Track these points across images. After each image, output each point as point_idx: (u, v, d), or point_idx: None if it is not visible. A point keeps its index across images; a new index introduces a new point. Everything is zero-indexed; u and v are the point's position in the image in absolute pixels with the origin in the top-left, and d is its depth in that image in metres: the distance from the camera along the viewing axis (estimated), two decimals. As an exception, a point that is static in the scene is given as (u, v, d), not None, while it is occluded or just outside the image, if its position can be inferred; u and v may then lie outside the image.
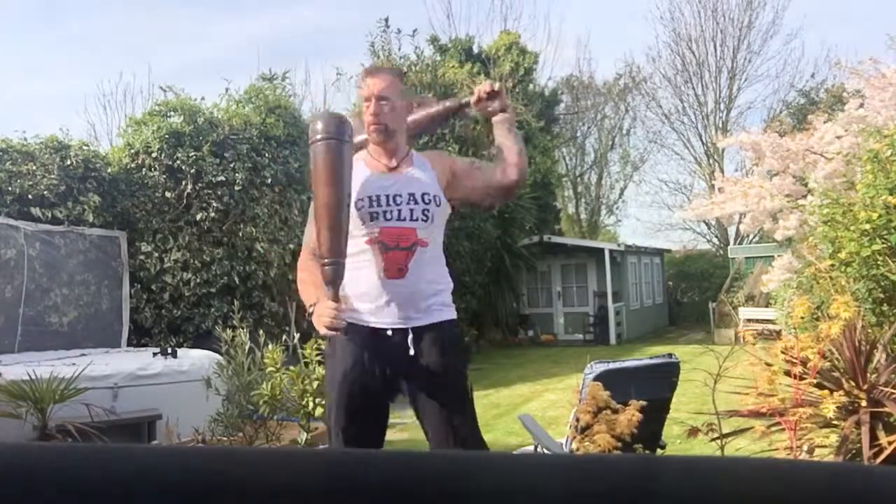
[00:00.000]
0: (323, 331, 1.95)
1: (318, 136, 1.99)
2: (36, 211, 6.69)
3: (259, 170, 8.09)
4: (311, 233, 2.10)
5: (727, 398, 2.77)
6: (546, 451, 3.13)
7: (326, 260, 1.98)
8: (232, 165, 7.81)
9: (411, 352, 2.01)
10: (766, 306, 11.41)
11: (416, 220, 2.05)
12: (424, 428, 2.09)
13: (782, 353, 2.83)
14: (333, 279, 1.97)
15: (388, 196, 2.06)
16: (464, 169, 2.20)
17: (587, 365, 2.97)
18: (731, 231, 20.37)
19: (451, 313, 2.10)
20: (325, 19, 31.76)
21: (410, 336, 2.01)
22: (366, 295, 2.04)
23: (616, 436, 2.23)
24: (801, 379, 2.64)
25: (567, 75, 22.21)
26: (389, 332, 2.02)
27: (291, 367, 4.93)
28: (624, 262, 15.18)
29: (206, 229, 7.72)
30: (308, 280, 2.08)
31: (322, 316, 1.93)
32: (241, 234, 7.83)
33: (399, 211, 2.05)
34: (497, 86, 2.17)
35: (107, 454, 0.50)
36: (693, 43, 22.06)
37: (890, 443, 2.52)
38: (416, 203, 2.06)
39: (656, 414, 2.84)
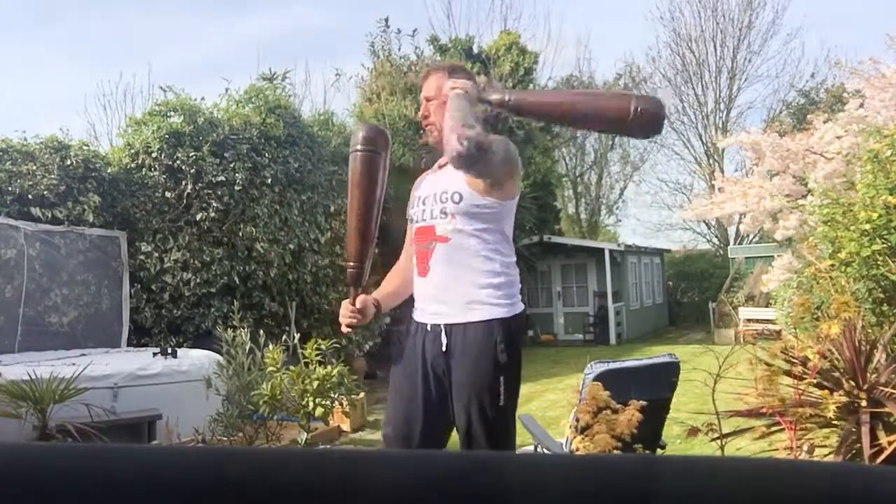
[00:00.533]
0: (343, 329, 2.10)
1: (357, 147, 2.08)
2: (36, 211, 6.69)
3: (259, 170, 8.08)
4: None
5: (727, 398, 2.77)
6: (546, 451, 3.13)
7: (351, 264, 2.09)
8: (232, 165, 7.81)
9: (443, 348, 2.03)
10: (766, 306, 11.41)
11: (435, 217, 2.08)
12: (457, 432, 2.07)
13: (782, 353, 2.83)
14: (354, 282, 2.10)
15: (420, 197, 2.16)
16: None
17: (587, 365, 2.97)
18: (731, 231, 20.38)
19: (492, 311, 2.00)
20: (325, 19, 31.77)
21: (443, 332, 2.03)
22: (415, 293, 2.16)
23: (616, 436, 2.23)
24: (801, 379, 2.64)
25: (567, 75, 22.22)
26: (429, 328, 2.08)
27: (291, 367, 4.94)
28: (624, 262, 15.18)
29: (206, 229, 7.71)
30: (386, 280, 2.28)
31: (342, 314, 2.09)
32: (241, 234, 7.83)
33: (423, 211, 2.12)
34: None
35: (107, 454, 0.50)
36: (693, 43, 22.08)
37: (890, 443, 2.52)
38: (437, 202, 2.09)
39: (656, 414, 2.84)
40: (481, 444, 1.96)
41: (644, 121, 1.85)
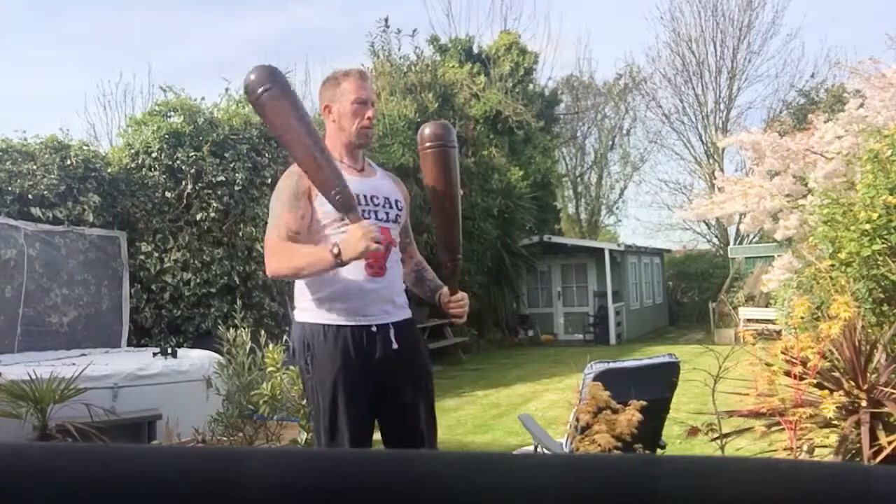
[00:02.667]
0: (370, 245, 1.85)
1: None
2: (36, 211, 6.69)
3: (259, 170, 8.08)
4: (283, 220, 2.05)
5: (727, 398, 2.78)
6: (546, 451, 3.13)
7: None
8: (232, 165, 7.81)
9: (395, 345, 2.06)
10: (766, 306, 11.41)
11: (390, 221, 2.16)
12: (385, 422, 2.13)
13: (782, 353, 2.83)
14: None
15: (366, 196, 2.12)
16: (404, 225, 2.28)
17: (587, 365, 2.97)
18: (731, 231, 20.37)
19: (409, 309, 2.21)
20: (325, 19, 31.76)
21: (392, 331, 2.08)
22: (346, 293, 2.05)
23: (616, 436, 2.23)
24: (801, 379, 2.64)
25: (567, 75, 22.21)
26: (374, 328, 2.06)
27: (291, 367, 4.93)
28: (624, 262, 15.18)
29: (206, 229, 7.71)
30: (297, 248, 2.01)
31: (365, 231, 1.86)
32: (241, 234, 7.83)
33: (377, 211, 2.12)
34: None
35: (107, 454, 0.50)
36: (693, 43, 22.06)
37: (890, 443, 2.52)
38: (390, 207, 2.17)
39: (656, 414, 2.84)
40: (430, 428, 2.13)
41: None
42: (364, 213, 2.05)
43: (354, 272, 2.03)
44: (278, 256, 2.02)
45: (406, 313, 2.17)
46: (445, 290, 2.23)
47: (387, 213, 2.15)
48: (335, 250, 1.89)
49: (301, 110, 1.99)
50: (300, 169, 2.04)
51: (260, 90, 1.94)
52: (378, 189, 2.17)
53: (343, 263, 1.89)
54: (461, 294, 2.21)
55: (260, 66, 1.98)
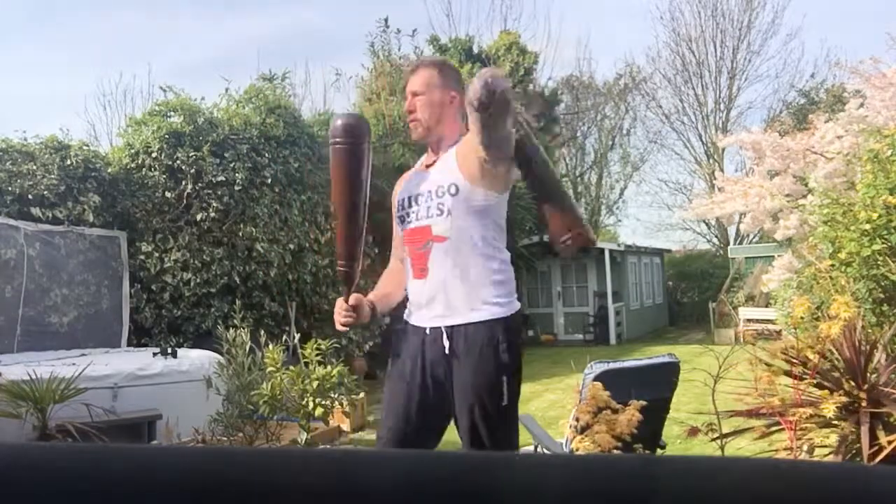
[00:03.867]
0: (339, 328, 2.09)
1: (336, 139, 1.97)
2: (36, 211, 6.69)
3: (259, 170, 8.08)
4: (394, 241, 2.21)
5: (727, 398, 2.77)
6: (546, 451, 3.13)
7: (341, 262, 2.07)
8: (232, 165, 7.81)
9: (446, 350, 1.97)
10: (766, 306, 11.41)
11: (431, 216, 2.00)
12: (459, 432, 2.04)
13: (782, 353, 2.83)
14: (347, 281, 2.05)
15: (411, 197, 2.08)
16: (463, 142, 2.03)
17: (587, 365, 2.97)
18: (731, 231, 20.38)
19: (492, 311, 1.95)
20: (325, 19, 31.77)
21: (444, 335, 1.97)
22: (410, 296, 2.10)
23: (616, 436, 2.23)
24: (801, 379, 2.64)
25: (567, 75, 22.19)
26: (427, 331, 2.02)
27: (291, 367, 4.93)
28: (624, 262, 15.18)
29: (206, 229, 7.71)
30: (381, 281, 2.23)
31: (337, 311, 2.06)
32: (241, 234, 7.83)
33: (418, 211, 2.04)
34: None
35: (107, 454, 0.50)
36: (693, 43, 22.08)
37: (890, 443, 2.52)
38: (432, 199, 2.01)
39: (656, 414, 2.85)
40: (485, 445, 1.93)
41: None
42: (408, 216, 2.08)
43: (409, 275, 2.09)
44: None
45: (474, 315, 1.95)
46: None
47: (427, 209, 2.01)
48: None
49: (355, 175, 1.99)
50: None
51: (333, 139, 1.98)
52: (429, 182, 2.03)
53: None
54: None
55: (348, 114, 2.09)
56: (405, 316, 2.11)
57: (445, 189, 1.98)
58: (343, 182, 2.00)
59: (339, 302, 2.07)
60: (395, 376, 2.09)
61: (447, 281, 1.98)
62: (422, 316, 2.04)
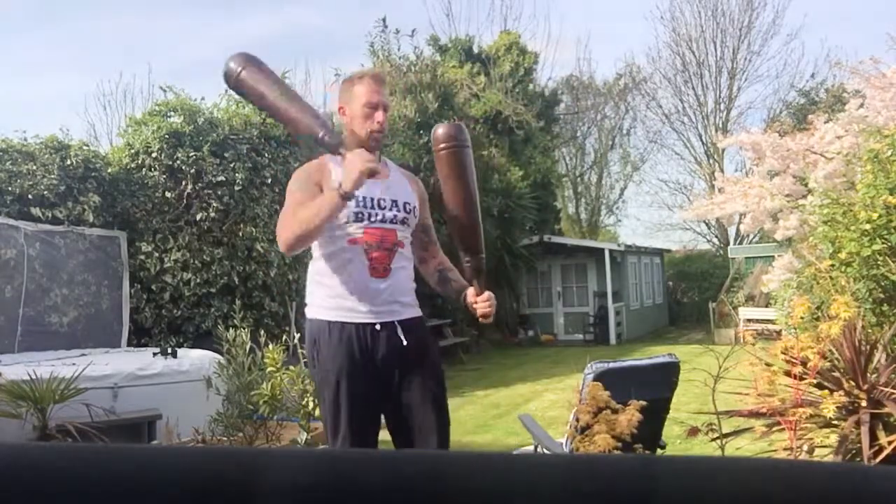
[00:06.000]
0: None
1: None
2: (36, 211, 6.69)
3: (259, 170, 8.08)
4: (294, 196, 2.14)
5: (727, 398, 2.78)
6: (546, 451, 3.13)
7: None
8: (232, 165, 7.81)
9: (404, 342, 2.09)
10: (766, 306, 11.41)
11: (397, 224, 2.16)
12: (404, 421, 2.13)
13: (782, 353, 2.83)
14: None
15: (373, 199, 2.14)
16: (423, 219, 2.30)
17: (587, 365, 2.97)
18: (731, 231, 20.37)
19: (419, 310, 2.23)
20: (324, 19, 31.76)
21: (399, 329, 2.10)
22: (352, 293, 2.09)
23: (616, 436, 2.23)
24: (801, 379, 2.64)
25: (567, 75, 22.18)
26: (378, 327, 2.08)
27: (291, 367, 4.93)
28: (624, 262, 15.18)
29: (206, 229, 7.71)
30: (299, 208, 2.05)
31: (363, 157, 1.97)
32: (241, 234, 7.82)
33: (383, 214, 2.14)
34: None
35: (107, 454, 0.50)
36: (693, 43, 22.06)
37: (890, 443, 2.52)
38: (398, 210, 2.17)
39: (656, 414, 2.84)
40: (440, 426, 2.12)
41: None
42: (370, 216, 2.11)
43: (360, 272, 2.08)
44: (284, 224, 2.06)
45: (414, 312, 2.19)
46: (470, 290, 2.21)
47: (394, 215, 2.15)
48: (335, 185, 1.99)
49: (273, 77, 2.15)
50: (310, 164, 2.19)
51: (238, 70, 2.12)
52: (388, 190, 2.17)
53: (348, 196, 1.95)
54: (487, 293, 2.19)
55: (235, 54, 2.17)
56: (332, 315, 2.10)
57: (411, 208, 2.21)
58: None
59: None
60: (341, 379, 2.06)
61: (402, 281, 2.16)
62: (371, 311, 2.10)
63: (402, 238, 2.17)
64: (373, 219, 2.11)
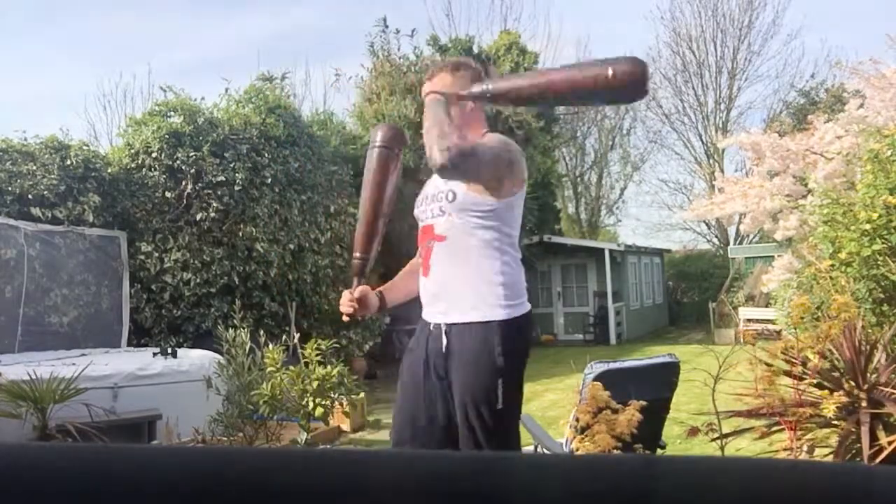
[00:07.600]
0: (344, 318, 2.14)
1: (375, 143, 2.13)
2: (36, 211, 6.69)
3: (259, 170, 8.08)
4: None
5: (727, 398, 2.77)
6: (546, 451, 3.13)
7: (357, 254, 2.15)
8: (232, 165, 7.81)
9: (443, 348, 1.99)
10: (766, 306, 11.41)
11: (434, 216, 2.07)
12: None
13: (782, 353, 2.83)
14: (358, 273, 2.15)
15: (423, 197, 2.16)
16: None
17: (587, 365, 2.97)
18: (732, 231, 20.37)
19: (492, 312, 1.94)
20: (324, 19, 31.75)
21: (443, 332, 1.99)
22: (420, 293, 2.14)
23: (616, 436, 2.23)
24: (801, 379, 2.64)
25: (567, 75, 22.12)
26: (431, 327, 2.06)
27: (291, 367, 4.94)
28: (624, 262, 15.18)
29: (206, 229, 7.71)
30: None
31: (342, 301, 2.11)
32: (241, 234, 7.82)
33: (424, 210, 2.13)
34: None
35: (107, 454, 0.50)
36: (693, 43, 22.07)
37: (890, 443, 2.52)
38: (436, 200, 2.08)
39: (656, 414, 2.84)
40: (481, 446, 1.93)
41: (623, 83, 1.82)
42: (420, 216, 2.15)
43: (421, 271, 2.13)
44: None
45: (472, 315, 1.95)
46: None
47: (430, 210, 2.09)
48: None
49: (385, 174, 2.12)
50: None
51: (372, 143, 2.15)
52: (438, 184, 2.10)
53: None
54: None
55: (389, 124, 2.25)
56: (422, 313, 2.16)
57: (445, 194, 2.04)
58: (374, 179, 2.11)
59: (346, 293, 2.11)
60: (404, 369, 2.14)
61: (445, 279, 2.02)
62: (428, 312, 2.10)
63: (441, 231, 2.03)
64: (421, 218, 2.14)
